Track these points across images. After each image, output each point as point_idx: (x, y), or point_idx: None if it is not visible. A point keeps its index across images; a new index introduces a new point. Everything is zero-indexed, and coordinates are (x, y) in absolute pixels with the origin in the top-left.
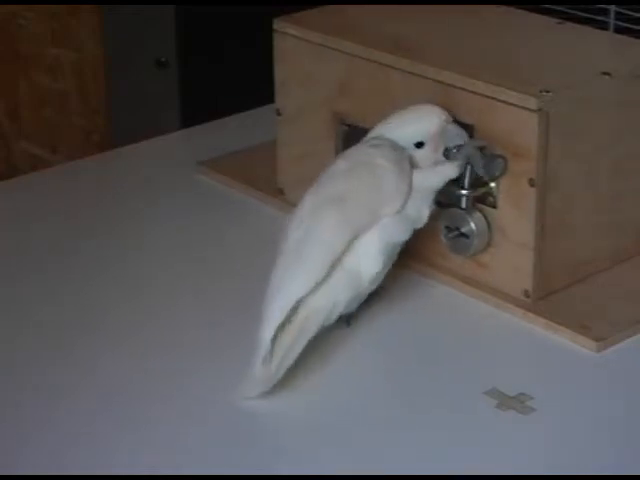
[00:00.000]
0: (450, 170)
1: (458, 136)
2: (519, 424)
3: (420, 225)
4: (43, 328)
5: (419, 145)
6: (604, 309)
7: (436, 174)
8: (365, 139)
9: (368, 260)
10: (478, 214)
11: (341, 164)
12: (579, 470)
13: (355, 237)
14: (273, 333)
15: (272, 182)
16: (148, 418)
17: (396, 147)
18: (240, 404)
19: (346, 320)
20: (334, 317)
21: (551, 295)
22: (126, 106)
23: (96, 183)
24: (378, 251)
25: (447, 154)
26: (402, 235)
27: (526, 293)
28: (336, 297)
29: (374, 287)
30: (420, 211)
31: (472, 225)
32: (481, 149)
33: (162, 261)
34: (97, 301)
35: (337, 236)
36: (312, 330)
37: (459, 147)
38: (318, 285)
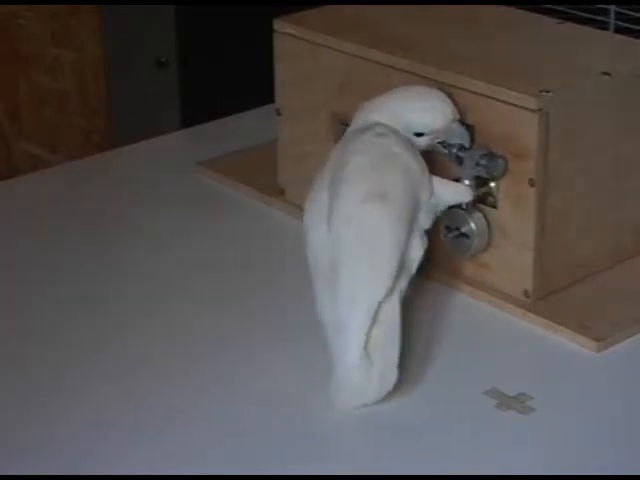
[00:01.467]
0: (466, 193)
1: (460, 136)
2: (519, 424)
3: (427, 227)
4: (43, 327)
5: (418, 135)
6: (604, 309)
7: (453, 191)
8: (363, 115)
9: (413, 246)
10: (478, 214)
11: (363, 159)
12: (579, 470)
13: (411, 228)
14: (364, 341)
15: (272, 182)
16: (150, 422)
17: (398, 133)
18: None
19: None
20: (403, 303)
21: (551, 295)
22: (126, 106)
23: (96, 183)
24: (419, 237)
25: (444, 145)
26: (430, 220)
27: (526, 293)
28: (401, 289)
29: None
30: (429, 217)
31: (472, 225)
32: (481, 154)
33: (162, 261)
34: (97, 301)
35: (397, 231)
36: (398, 328)
37: (462, 158)
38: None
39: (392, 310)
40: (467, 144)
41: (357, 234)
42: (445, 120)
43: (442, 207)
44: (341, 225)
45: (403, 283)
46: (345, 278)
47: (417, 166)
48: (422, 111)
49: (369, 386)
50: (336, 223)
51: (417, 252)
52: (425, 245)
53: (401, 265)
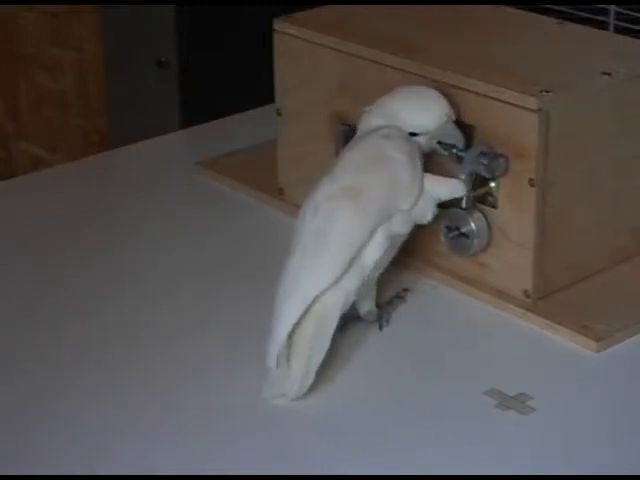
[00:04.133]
0: (458, 187)
1: (453, 137)
2: (519, 424)
3: (424, 222)
4: (43, 327)
5: (413, 134)
6: (604, 309)
7: (445, 186)
8: (367, 119)
9: (370, 250)
10: (478, 214)
11: (355, 156)
12: (579, 470)
13: (372, 231)
14: (288, 331)
15: (272, 182)
16: (148, 418)
17: (407, 138)
18: (245, 403)
19: (378, 325)
20: (347, 307)
21: (551, 295)
22: (126, 106)
23: (96, 183)
24: (380, 242)
25: (444, 147)
26: (404, 228)
27: (526, 293)
28: (347, 288)
29: (377, 274)
30: (423, 211)
31: (472, 225)
32: (482, 152)
33: (162, 260)
34: (97, 301)
35: (356, 231)
36: (332, 325)
37: (462, 158)
38: (336, 281)
39: (331, 307)
40: (460, 145)
41: (318, 226)
42: (438, 121)
43: (435, 203)
44: (308, 214)
45: (351, 283)
46: (291, 266)
47: (407, 174)
48: (416, 111)
49: (287, 379)
50: (307, 210)
51: (373, 255)
52: (384, 248)
53: (353, 266)
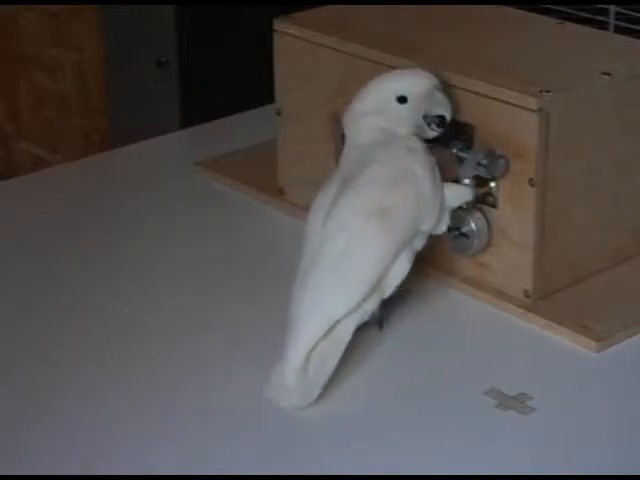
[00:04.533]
0: (467, 193)
1: (442, 106)
2: (519, 424)
3: (439, 233)
4: (43, 327)
5: (401, 100)
6: (604, 309)
7: (457, 194)
8: (359, 96)
9: (395, 270)
10: (478, 214)
11: (381, 171)
12: (579, 470)
13: (399, 252)
14: (309, 349)
15: (272, 182)
16: (147, 417)
17: (429, 151)
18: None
19: (378, 325)
20: (361, 324)
21: (551, 295)
22: (126, 106)
23: (96, 183)
24: (404, 264)
25: (426, 120)
26: (422, 244)
27: (526, 293)
28: (366, 309)
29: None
30: (441, 224)
31: (472, 225)
32: (482, 153)
33: (162, 260)
34: (97, 301)
35: (384, 253)
36: (345, 343)
37: (463, 158)
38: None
39: (345, 330)
40: (448, 115)
41: (345, 242)
42: (426, 84)
43: (449, 212)
44: (334, 226)
45: (370, 305)
46: (316, 280)
47: (431, 193)
48: (402, 75)
49: (295, 392)
50: (331, 223)
51: (396, 278)
52: (407, 269)
53: (375, 287)
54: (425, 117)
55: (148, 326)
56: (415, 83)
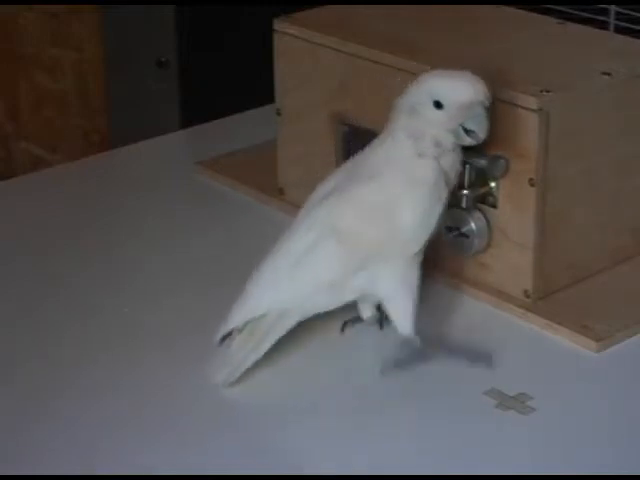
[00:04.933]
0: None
1: (478, 123)
2: (519, 424)
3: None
4: (43, 327)
5: (437, 105)
6: (604, 309)
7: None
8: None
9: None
10: (478, 214)
11: (369, 196)
12: (579, 470)
13: (358, 270)
14: (245, 321)
15: (272, 182)
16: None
17: (439, 181)
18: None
19: (378, 324)
20: (307, 316)
21: (551, 295)
22: (126, 106)
23: (96, 183)
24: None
25: (463, 129)
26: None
27: (526, 293)
28: (318, 301)
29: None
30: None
31: (472, 225)
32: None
33: (161, 260)
34: (97, 301)
35: (338, 268)
36: (283, 331)
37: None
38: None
39: (289, 316)
40: (483, 134)
41: (308, 246)
42: (469, 96)
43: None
44: (307, 224)
45: (326, 300)
46: (275, 263)
47: (410, 228)
48: (449, 79)
49: (224, 366)
50: (308, 218)
51: (379, 289)
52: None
53: (322, 291)
54: (461, 126)
55: (148, 326)
56: (456, 91)
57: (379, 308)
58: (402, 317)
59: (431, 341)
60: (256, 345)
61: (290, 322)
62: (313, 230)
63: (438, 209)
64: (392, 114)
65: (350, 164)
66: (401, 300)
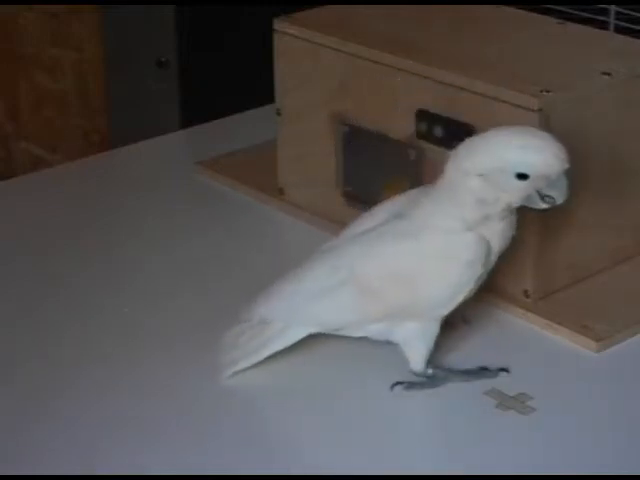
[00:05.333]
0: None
1: (559, 191)
2: (519, 424)
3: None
4: (43, 327)
5: (522, 177)
6: (604, 309)
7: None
8: (456, 162)
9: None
10: None
11: (429, 259)
12: (579, 470)
13: (378, 321)
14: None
15: (272, 182)
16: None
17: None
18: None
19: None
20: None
21: (551, 295)
22: (126, 106)
23: (96, 183)
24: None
25: (538, 194)
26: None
27: (526, 293)
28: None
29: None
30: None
31: None
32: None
33: (161, 260)
34: (97, 301)
35: (352, 318)
36: (276, 345)
37: None
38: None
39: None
40: (562, 199)
41: (334, 285)
42: (556, 167)
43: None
44: (340, 263)
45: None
46: (315, 279)
47: (436, 296)
48: (535, 152)
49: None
50: (341, 255)
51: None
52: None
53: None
54: (538, 192)
55: (148, 326)
56: (545, 164)
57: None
58: (415, 359)
59: (442, 366)
60: (261, 346)
61: (298, 335)
62: (336, 271)
63: (470, 285)
64: (450, 167)
65: (404, 200)
66: (417, 347)
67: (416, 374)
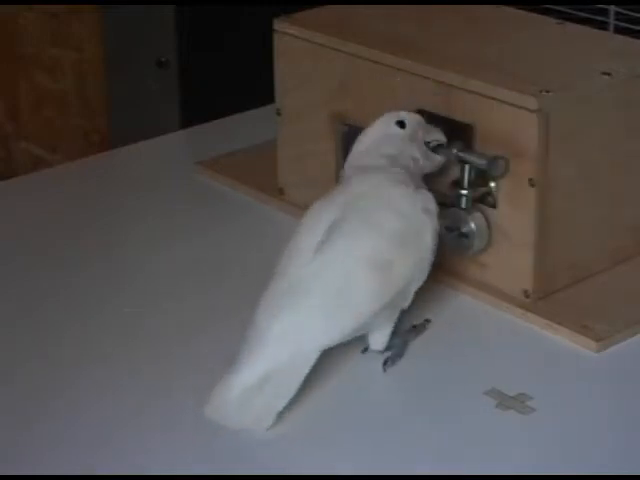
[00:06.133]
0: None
1: (435, 132)
2: (519, 424)
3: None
4: (43, 327)
5: (401, 124)
6: (604, 309)
7: None
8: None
9: (376, 322)
10: (478, 214)
11: (395, 224)
12: (579, 470)
13: (385, 308)
14: (268, 371)
15: (272, 182)
16: (132, 423)
17: (438, 215)
18: None
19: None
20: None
21: (551, 295)
22: (126, 106)
23: (96, 183)
24: (388, 319)
25: (428, 146)
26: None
27: (526, 293)
28: (335, 341)
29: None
30: None
31: (472, 225)
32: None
33: (161, 260)
34: (97, 300)
35: (374, 305)
36: (308, 369)
37: (462, 158)
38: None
39: (310, 358)
40: (443, 138)
41: (343, 284)
42: (416, 116)
43: None
44: (334, 263)
45: (341, 336)
46: (297, 306)
47: (429, 260)
48: (390, 114)
49: (247, 409)
50: (330, 257)
51: (378, 331)
52: (390, 327)
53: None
54: (427, 143)
55: (148, 326)
56: (407, 115)
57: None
58: (379, 340)
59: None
60: (283, 389)
61: (313, 358)
62: (344, 277)
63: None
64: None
65: (344, 189)
66: (384, 328)
67: (376, 352)
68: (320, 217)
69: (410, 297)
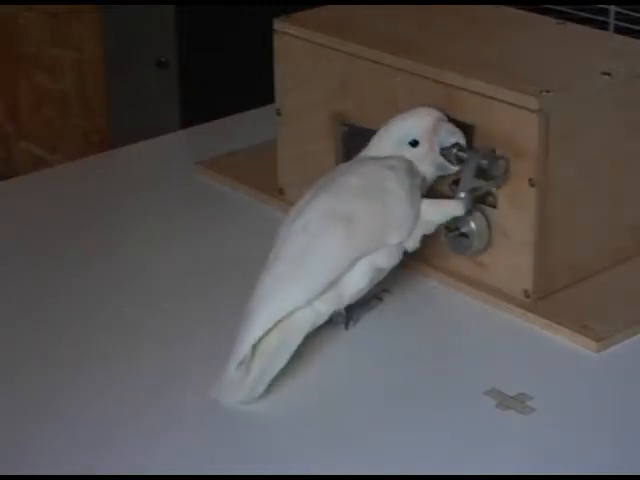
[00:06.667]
0: (456, 208)
1: (453, 134)
2: (519, 424)
3: (411, 250)
4: (43, 327)
5: (414, 144)
6: (604, 309)
7: (441, 211)
8: (372, 145)
9: (353, 279)
10: (478, 214)
11: (354, 180)
12: (579, 470)
13: (357, 259)
14: (256, 339)
15: (272, 182)
16: (132, 418)
17: (411, 171)
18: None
19: (345, 324)
20: (315, 327)
21: (551, 295)
22: (126, 106)
23: (96, 183)
24: (364, 273)
25: (444, 153)
26: (391, 262)
27: (526, 293)
28: (320, 311)
29: (354, 301)
30: (415, 240)
31: (472, 225)
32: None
33: (161, 260)
34: (97, 300)
35: (343, 256)
36: (296, 342)
37: (463, 159)
38: (310, 301)
39: (300, 324)
40: (462, 140)
41: (306, 241)
42: (431, 119)
43: (432, 228)
44: (298, 226)
45: (326, 307)
46: (273, 272)
47: (402, 210)
48: (407, 118)
49: (242, 384)
50: (296, 223)
51: (352, 288)
52: (365, 283)
53: (331, 290)
54: (443, 151)
55: (148, 326)
56: (418, 123)
57: (347, 309)
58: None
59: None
60: (268, 363)
61: (300, 334)
62: (305, 229)
63: (418, 203)
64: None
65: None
66: (355, 284)
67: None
68: (304, 198)
69: (390, 255)
